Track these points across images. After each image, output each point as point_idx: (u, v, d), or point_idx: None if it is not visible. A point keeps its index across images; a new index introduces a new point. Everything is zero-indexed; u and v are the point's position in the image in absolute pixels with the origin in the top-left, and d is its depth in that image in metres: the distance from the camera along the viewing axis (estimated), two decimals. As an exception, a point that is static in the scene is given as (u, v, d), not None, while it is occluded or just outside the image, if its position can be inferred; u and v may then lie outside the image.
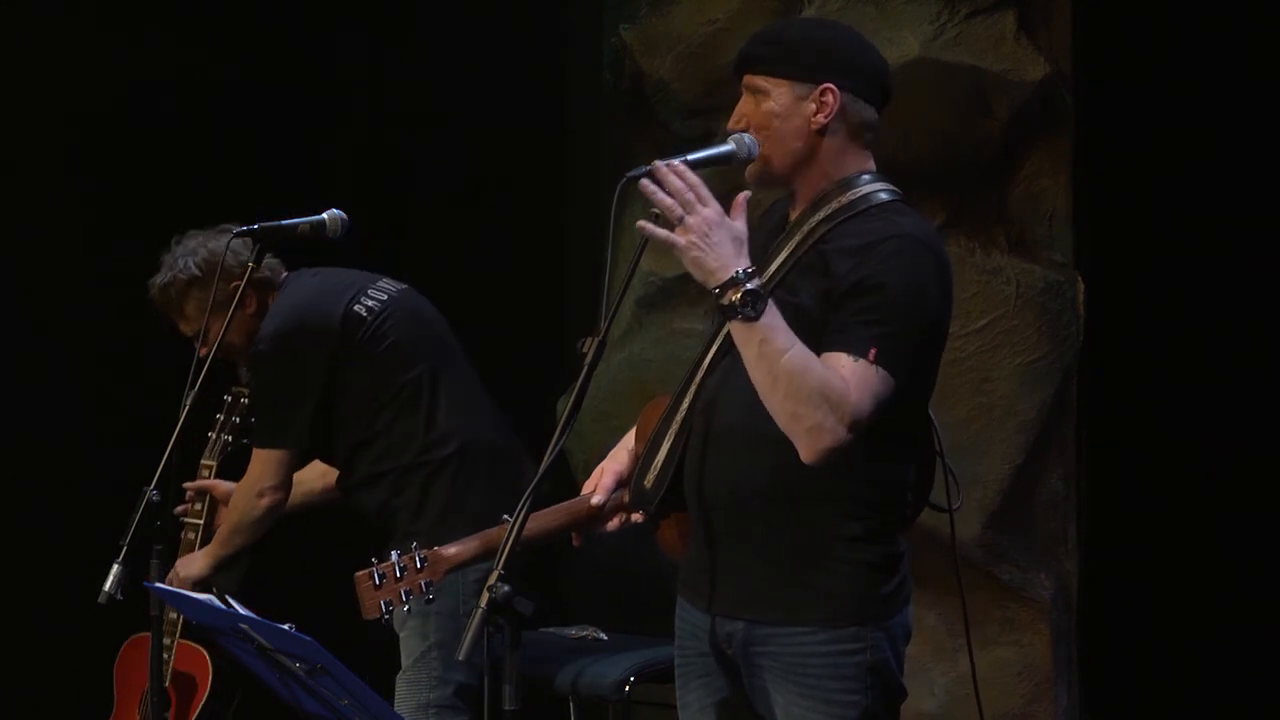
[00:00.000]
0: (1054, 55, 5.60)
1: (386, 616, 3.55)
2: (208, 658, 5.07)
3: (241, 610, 3.58)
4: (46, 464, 6.03)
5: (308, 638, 3.48)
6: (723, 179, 5.61)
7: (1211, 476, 5.63)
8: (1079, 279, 5.61)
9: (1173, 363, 5.68)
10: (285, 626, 3.51)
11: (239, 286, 4.69)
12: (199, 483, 5.02)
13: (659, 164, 3.35)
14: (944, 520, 3.66)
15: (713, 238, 3.31)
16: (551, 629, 5.24)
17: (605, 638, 5.18)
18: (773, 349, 3.32)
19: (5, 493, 6.00)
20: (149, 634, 4.99)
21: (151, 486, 4.15)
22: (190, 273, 4.86)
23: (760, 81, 3.49)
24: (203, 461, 5.04)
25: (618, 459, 3.66)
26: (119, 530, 4.14)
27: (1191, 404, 5.67)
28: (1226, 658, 5.63)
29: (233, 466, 5.03)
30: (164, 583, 3.57)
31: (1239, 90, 5.62)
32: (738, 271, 3.31)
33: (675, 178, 3.33)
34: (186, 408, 4.27)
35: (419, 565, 3.51)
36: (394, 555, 3.53)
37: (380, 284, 4.93)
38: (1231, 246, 5.64)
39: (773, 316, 3.32)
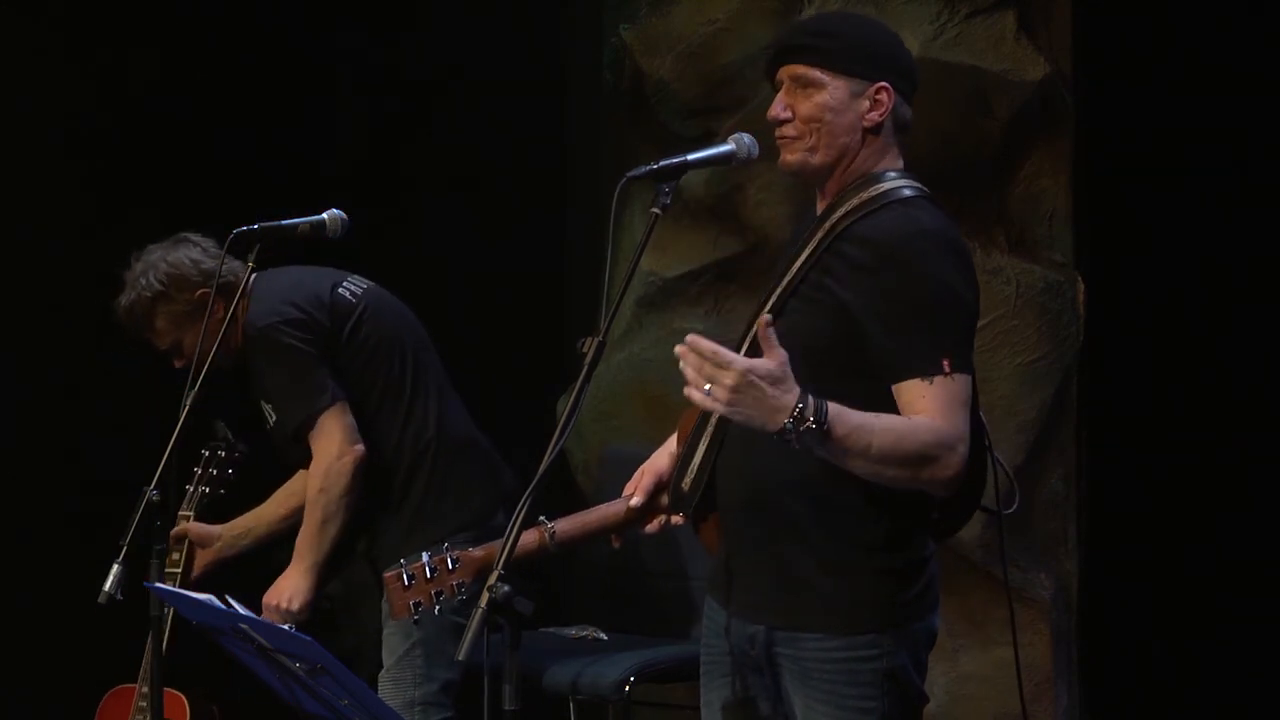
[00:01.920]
0: (1054, 55, 5.61)
1: (416, 617, 3.55)
2: (185, 703, 5.08)
3: (241, 610, 3.58)
4: (46, 464, 6.03)
5: (308, 638, 3.48)
6: (722, 178, 5.67)
7: (1211, 476, 5.63)
8: (1079, 279, 5.61)
9: (1172, 363, 5.68)
10: (285, 626, 3.51)
11: (207, 294, 4.70)
12: (178, 528, 4.98)
13: (678, 347, 3.28)
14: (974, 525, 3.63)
15: (749, 395, 3.20)
16: (551, 629, 5.24)
17: (605, 638, 5.18)
18: (858, 452, 3.28)
19: (5, 493, 6.00)
20: (131, 686, 5.01)
21: (151, 486, 4.15)
22: (154, 289, 4.85)
23: (815, 74, 3.48)
24: (180, 513, 5.01)
25: (658, 461, 3.66)
26: (119, 530, 4.14)
27: (1191, 404, 5.67)
28: (1226, 658, 5.63)
29: (210, 519, 5.04)
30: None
31: (1239, 90, 5.62)
32: (787, 424, 3.21)
33: (691, 354, 3.25)
34: (186, 408, 4.27)
35: (450, 566, 3.50)
36: (424, 556, 3.52)
37: (353, 277, 4.94)
38: (1231, 246, 5.64)
39: (840, 427, 3.24)
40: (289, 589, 4.73)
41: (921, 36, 5.53)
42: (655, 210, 3.40)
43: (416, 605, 3.51)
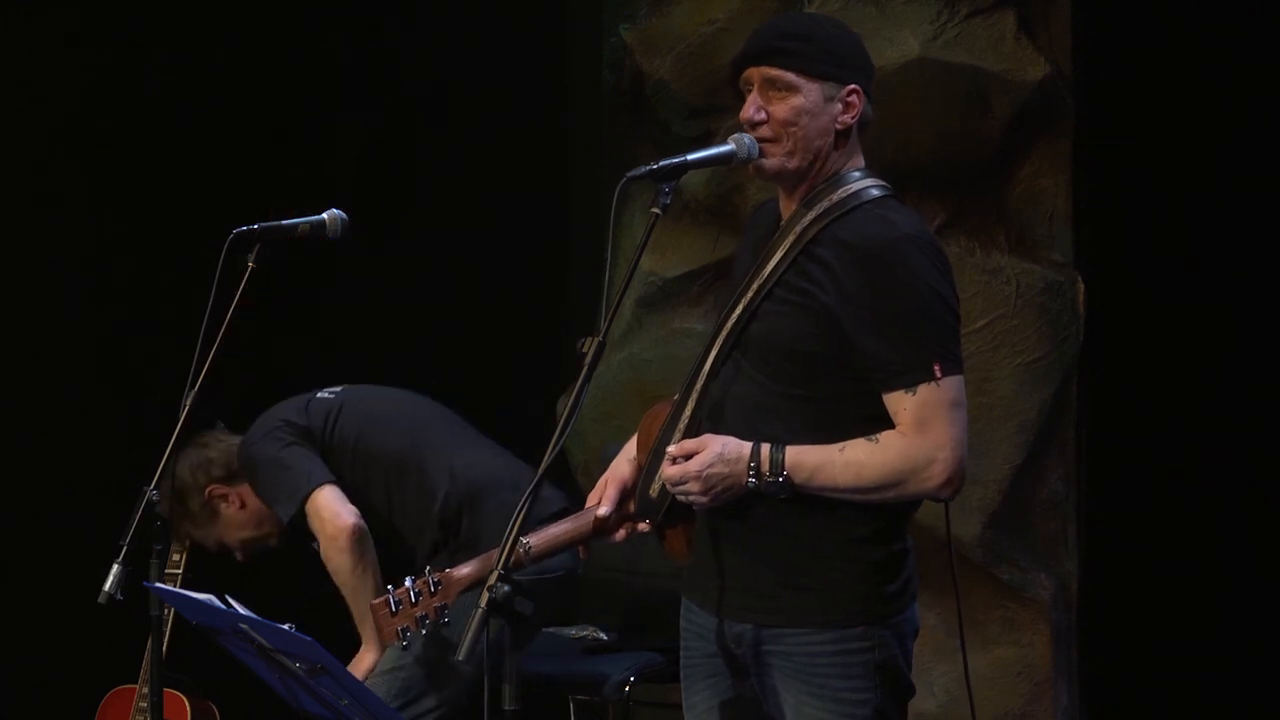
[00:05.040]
0: (1054, 55, 5.61)
1: (404, 643, 3.56)
2: (186, 705, 5.07)
3: (241, 610, 3.58)
4: (46, 464, 6.02)
5: (308, 638, 3.48)
6: (722, 178, 5.66)
7: (1211, 476, 5.63)
8: (1079, 279, 5.61)
9: (1172, 363, 5.68)
10: (285, 626, 3.51)
11: (213, 490, 4.85)
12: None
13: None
14: (944, 518, 3.66)
15: (716, 482, 3.43)
16: (551, 629, 5.24)
17: (605, 638, 5.18)
18: (828, 490, 3.41)
19: (5, 493, 6.00)
20: (131, 686, 5.01)
21: (151, 486, 4.14)
22: (174, 507, 4.86)
23: (789, 77, 3.48)
24: (173, 548, 5.06)
25: (620, 469, 3.67)
26: (119, 530, 4.14)
27: (1191, 403, 5.67)
28: (1226, 658, 5.63)
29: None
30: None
31: (1239, 89, 5.62)
32: (750, 482, 3.41)
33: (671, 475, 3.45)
34: (186, 408, 4.26)
35: (432, 589, 3.51)
36: (408, 581, 3.53)
37: (328, 388, 4.95)
38: (1231, 246, 5.63)
39: (799, 473, 3.40)
40: (364, 667, 4.71)
41: (921, 36, 5.53)
42: (655, 210, 3.40)
43: (404, 631, 3.53)
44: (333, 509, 4.69)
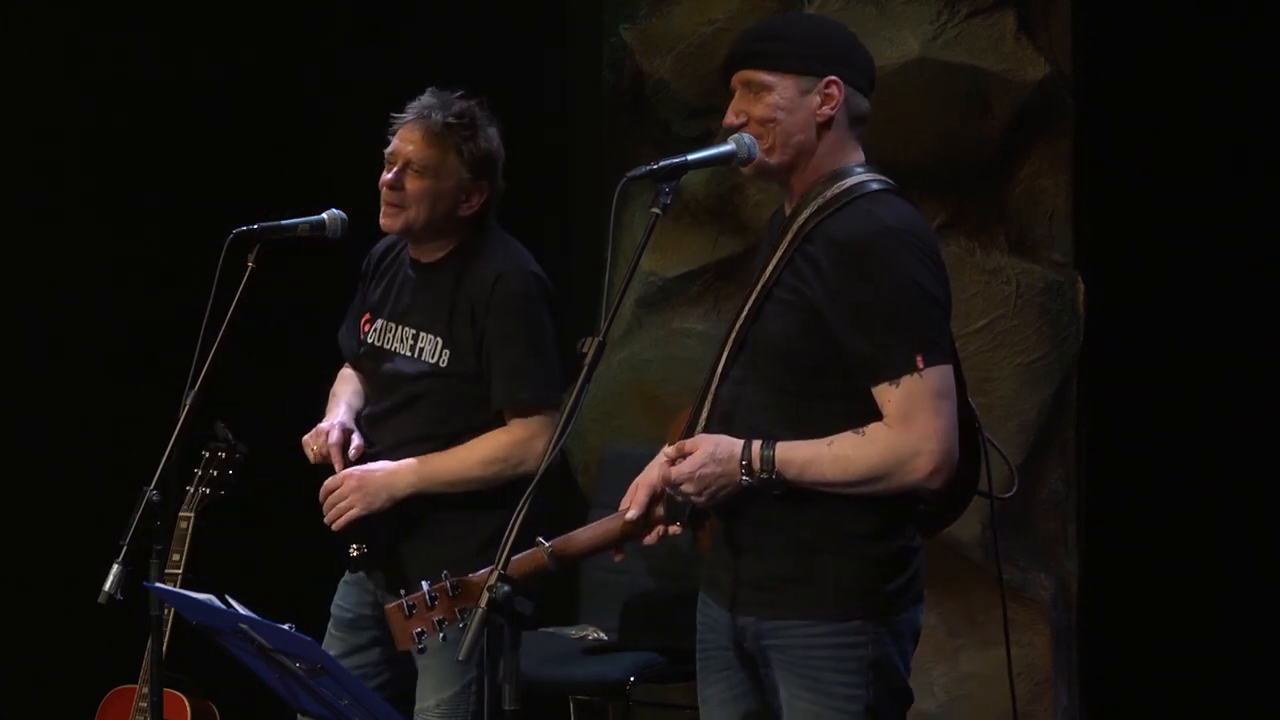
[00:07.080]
0: (1054, 55, 5.61)
1: (421, 647, 3.54)
2: (186, 705, 5.07)
3: (241, 610, 3.58)
4: (46, 463, 6.02)
5: (308, 638, 3.48)
6: (722, 178, 5.67)
7: (1211, 476, 5.63)
8: (1079, 279, 5.61)
9: (1172, 363, 5.68)
10: (285, 626, 3.51)
11: (470, 181, 4.66)
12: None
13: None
14: (967, 522, 3.65)
15: (710, 481, 3.46)
16: (551, 629, 5.24)
17: (605, 638, 5.18)
18: (819, 484, 3.43)
19: (5, 492, 5.99)
20: (131, 686, 5.00)
21: (151, 486, 4.15)
22: (487, 142, 4.75)
23: (762, 76, 3.51)
24: (180, 513, 4.99)
25: (650, 474, 3.67)
26: (119, 530, 4.14)
27: (1191, 403, 5.66)
28: (1226, 658, 5.63)
29: (210, 520, 5.02)
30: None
31: (1239, 89, 5.61)
32: (744, 480, 3.44)
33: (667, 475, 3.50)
34: (186, 408, 4.27)
35: (451, 593, 3.50)
36: (424, 585, 3.52)
37: None
38: (1231, 246, 5.63)
39: (789, 469, 3.43)
40: (383, 483, 4.41)
41: (921, 36, 5.53)
42: (655, 210, 3.41)
43: (420, 634, 3.51)
44: (546, 433, 4.29)
